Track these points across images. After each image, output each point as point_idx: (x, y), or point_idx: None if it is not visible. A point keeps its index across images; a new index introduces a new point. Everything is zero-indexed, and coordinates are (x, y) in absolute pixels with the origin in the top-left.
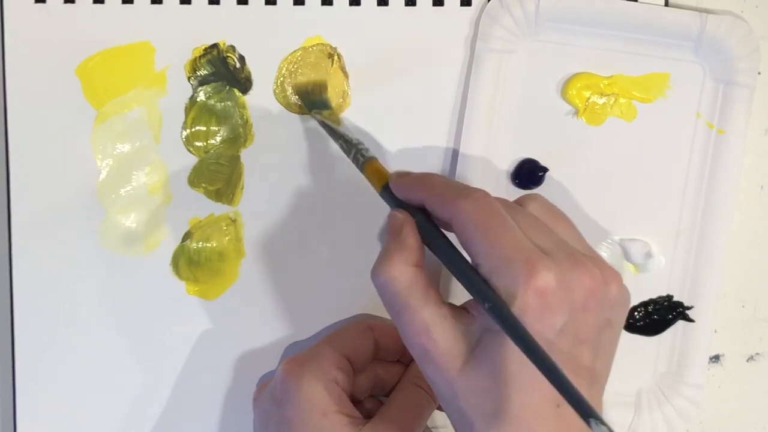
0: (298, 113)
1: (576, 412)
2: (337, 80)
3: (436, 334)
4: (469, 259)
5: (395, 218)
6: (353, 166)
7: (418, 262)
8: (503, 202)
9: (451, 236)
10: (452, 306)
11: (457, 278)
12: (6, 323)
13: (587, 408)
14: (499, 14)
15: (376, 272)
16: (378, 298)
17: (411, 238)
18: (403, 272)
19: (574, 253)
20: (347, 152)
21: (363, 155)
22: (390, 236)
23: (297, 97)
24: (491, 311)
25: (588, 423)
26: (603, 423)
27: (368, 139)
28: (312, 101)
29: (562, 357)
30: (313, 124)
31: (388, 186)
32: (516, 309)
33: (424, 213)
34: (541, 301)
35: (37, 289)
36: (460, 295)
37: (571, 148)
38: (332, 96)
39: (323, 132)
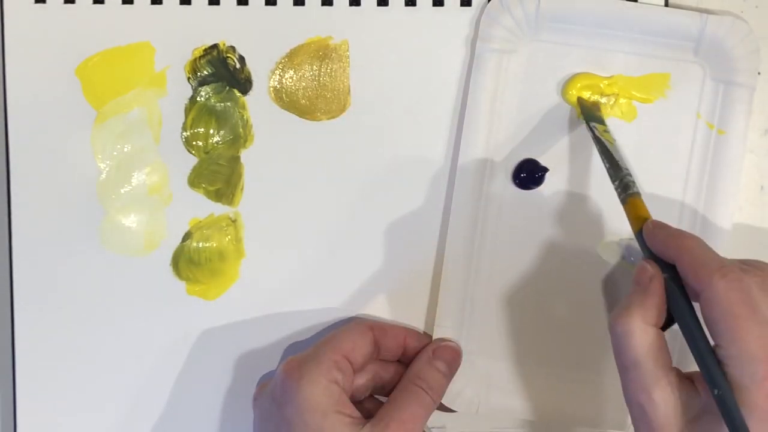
0: (297, 114)
1: None
2: (342, 78)
3: (658, 398)
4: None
5: (645, 271)
6: (353, 167)
7: (658, 322)
8: (758, 281)
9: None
10: (680, 373)
11: (693, 353)
12: (6, 323)
13: None
14: (500, 14)
15: (615, 322)
16: (377, 298)
17: (657, 296)
18: (644, 330)
19: None
20: (612, 178)
21: (628, 187)
22: (637, 287)
23: (580, 108)
24: (719, 399)
25: None
26: None
27: (368, 140)
28: (591, 115)
29: None
30: (313, 124)
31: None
32: (744, 406)
33: (674, 271)
34: None
35: (37, 289)
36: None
37: (571, 148)
38: (335, 95)
39: (323, 132)
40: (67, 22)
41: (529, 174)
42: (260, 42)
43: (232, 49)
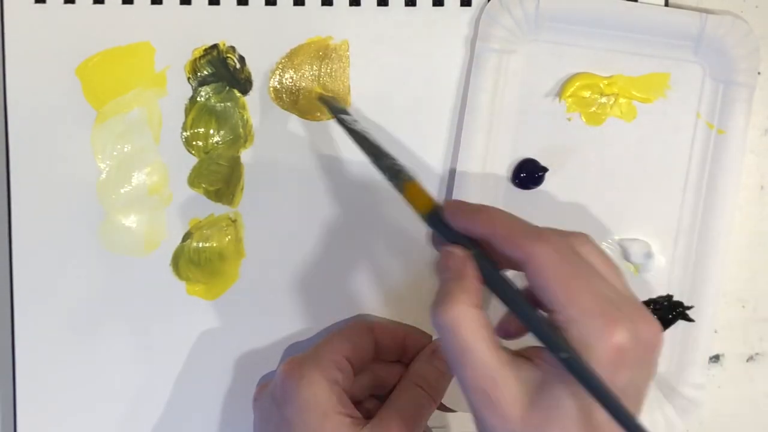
0: (297, 115)
1: None
2: (342, 78)
3: (500, 380)
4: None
5: (452, 255)
6: (352, 167)
7: (479, 303)
8: (580, 245)
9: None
10: (511, 351)
11: (523, 323)
12: (6, 323)
13: None
14: (499, 14)
15: (437, 312)
16: (377, 298)
17: (473, 277)
18: (468, 315)
19: (638, 305)
20: (379, 167)
21: (400, 172)
22: (450, 274)
23: (323, 106)
24: (567, 363)
25: None
26: None
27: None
28: (335, 107)
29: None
30: (313, 124)
31: (434, 212)
32: (595, 363)
33: (479, 247)
34: (616, 356)
35: (37, 289)
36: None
37: (571, 148)
38: (335, 95)
39: (323, 132)
40: (67, 22)
41: (529, 174)
42: (260, 42)
43: (232, 49)
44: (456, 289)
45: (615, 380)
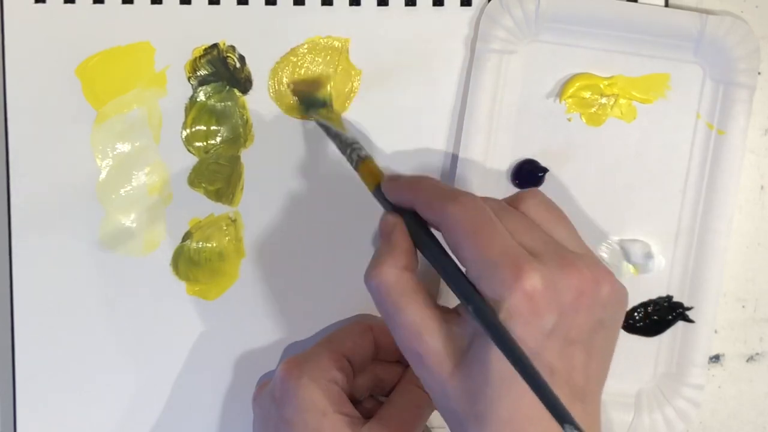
0: (296, 116)
1: (552, 417)
2: (344, 77)
3: (427, 337)
4: (458, 262)
5: (386, 222)
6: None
7: (408, 265)
8: (493, 203)
9: (441, 238)
10: (443, 308)
11: (446, 281)
12: (6, 323)
13: (562, 413)
14: (499, 14)
15: (367, 276)
16: None
17: (402, 241)
18: (394, 275)
19: (563, 253)
20: (342, 151)
21: (358, 154)
22: (382, 239)
23: (294, 97)
24: (476, 315)
25: (563, 428)
26: (578, 428)
27: (368, 140)
28: (308, 99)
29: (551, 360)
30: (313, 124)
31: (379, 186)
32: (504, 313)
33: (416, 216)
34: (528, 304)
35: (37, 289)
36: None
37: (571, 148)
38: (337, 94)
39: (322, 132)
40: (67, 22)
41: (529, 174)
42: (260, 42)
43: (232, 48)
44: (384, 253)
45: (532, 329)
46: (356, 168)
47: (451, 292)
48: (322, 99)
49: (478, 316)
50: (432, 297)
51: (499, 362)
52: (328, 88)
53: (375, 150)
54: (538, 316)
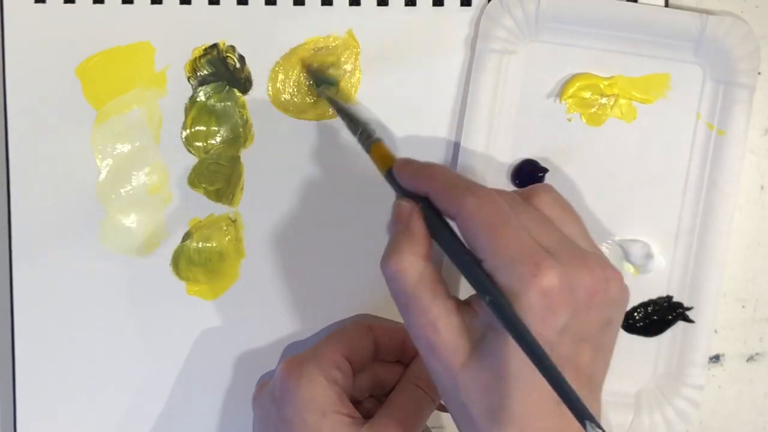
0: (294, 116)
1: (572, 413)
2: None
3: (442, 328)
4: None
5: (403, 208)
6: (353, 165)
7: (426, 254)
8: (509, 197)
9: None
10: (458, 300)
11: (461, 272)
12: (6, 323)
13: (583, 410)
14: (500, 14)
15: (386, 263)
16: (377, 298)
17: (419, 229)
18: (413, 264)
19: (577, 251)
20: (354, 132)
21: (370, 136)
22: (398, 226)
23: (306, 75)
24: (493, 307)
25: (584, 425)
26: (598, 426)
27: None
28: (319, 78)
29: (564, 356)
30: (312, 124)
31: (392, 171)
32: (519, 308)
33: (428, 202)
34: (544, 301)
35: (38, 288)
36: (460, 288)
37: (571, 148)
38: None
39: (323, 132)
40: (67, 22)
41: (529, 174)
42: (260, 42)
43: (232, 48)
44: (403, 240)
45: (546, 325)
46: (368, 151)
47: (454, 284)
48: (331, 77)
49: (496, 308)
50: (447, 288)
51: (512, 357)
52: (341, 66)
53: None
54: (552, 313)
